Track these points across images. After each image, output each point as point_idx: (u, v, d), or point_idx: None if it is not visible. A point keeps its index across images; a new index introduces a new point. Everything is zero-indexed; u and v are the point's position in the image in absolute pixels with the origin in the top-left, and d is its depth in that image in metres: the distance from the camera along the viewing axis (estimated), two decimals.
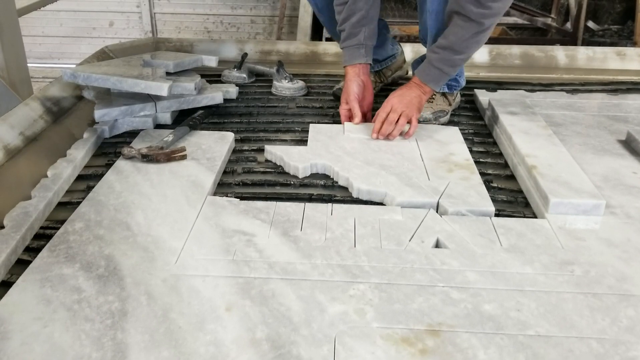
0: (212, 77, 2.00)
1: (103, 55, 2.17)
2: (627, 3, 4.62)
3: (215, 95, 1.71)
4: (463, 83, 1.74)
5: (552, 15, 4.60)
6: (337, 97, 1.80)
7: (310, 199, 1.27)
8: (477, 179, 1.30)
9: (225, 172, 1.39)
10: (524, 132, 1.49)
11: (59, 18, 4.68)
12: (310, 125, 1.59)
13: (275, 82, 1.95)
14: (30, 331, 0.84)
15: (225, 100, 1.76)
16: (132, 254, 1.02)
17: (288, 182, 1.34)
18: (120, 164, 1.35)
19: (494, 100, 1.71)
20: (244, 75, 2.03)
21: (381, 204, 1.25)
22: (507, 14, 4.02)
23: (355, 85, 1.57)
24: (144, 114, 1.60)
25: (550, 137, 1.47)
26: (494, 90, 1.86)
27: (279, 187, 1.34)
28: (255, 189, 1.32)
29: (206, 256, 1.02)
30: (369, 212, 1.17)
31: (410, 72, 1.89)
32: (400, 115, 1.47)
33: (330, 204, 1.19)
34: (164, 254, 1.02)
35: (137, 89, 1.57)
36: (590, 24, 4.61)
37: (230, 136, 1.51)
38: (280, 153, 1.42)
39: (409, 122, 1.49)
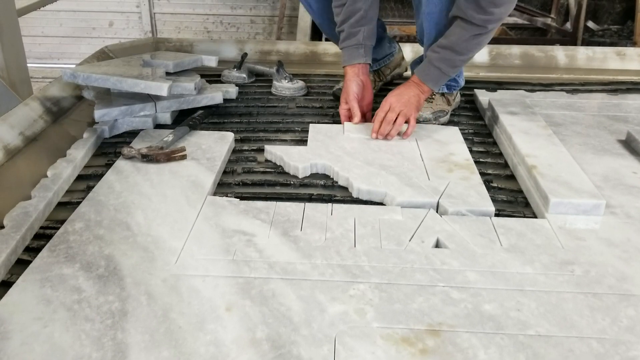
0: (212, 77, 2.00)
1: (103, 55, 2.17)
2: (627, 3, 4.62)
3: (215, 95, 1.71)
4: (462, 83, 1.74)
5: (552, 15, 4.60)
6: (337, 97, 1.80)
7: (310, 199, 1.27)
8: (477, 179, 1.30)
9: (225, 172, 1.39)
10: (524, 132, 1.49)
11: (58, 18, 4.68)
12: (310, 125, 1.59)
13: (275, 82, 1.95)
14: (30, 331, 0.84)
15: (225, 100, 1.76)
16: (132, 254, 1.02)
17: (288, 182, 1.34)
18: (120, 164, 1.35)
19: (494, 100, 1.71)
20: (244, 75, 2.03)
21: (381, 204, 1.25)
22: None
23: (354, 85, 1.57)
24: (143, 114, 1.60)
25: (550, 137, 1.47)
26: (494, 90, 1.86)
27: (279, 187, 1.34)
28: (255, 189, 1.32)
29: (206, 256, 1.02)
30: (369, 212, 1.17)
31: (409, 72, 1.89)
32: (398, 115, 1.47)
33: (330, 204, 1.19)
34: (164, 254, 1.02)
35: (137, 89, 1.57)
36: (590, 24, 4.61)
37: (230, 136, 1.51)
38: (280, 153, 1.42)
39: (407, 121, 1.49)
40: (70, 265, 0.98)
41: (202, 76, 1.79)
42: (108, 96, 1.65)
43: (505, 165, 1.46)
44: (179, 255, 1.02)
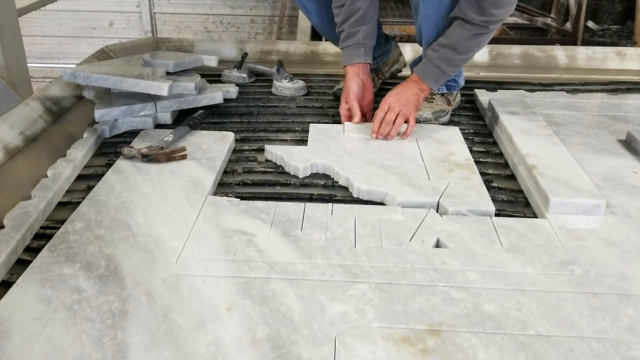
0: (212, 77, 2.00)
1: (103, 55, 2.17)
2: (627, 3, 4.62)
3: (215, 95, 1.71)
4: (462, 83, 1.74)
5: (552, 15, 4.60)
6: (337, 97, 1.80)
7: (310, 198, 1.27)
8: (478, 179, 1.30)
9: (225, 172, 1.39)
10: (524, 131, 1.49)
11: (59, 18, 4.68)
12: (311, 125, 1.59)
13: (275, 82, 1.95)
14: (30, 331, 0.84)
15: (226, 100, 1.76)
16: (132, 254, 1.02)
17: (288, 182, 1.34)
18: (121, 163, 1.35)
19: (494, 100, 1.71)
20: (244, 75, 2.03)
21: (381, 203, 1.25)
22: None
23: (354, 84, 1.57)
24: (144, 114, 1.60)
25: (551, 136, 1.47)
26: (494, 90, 1.86)
27: (279, 187, 1.34)
28: (256, 189, 1.32)
29: (206, 256, 1.02)
30: (369, 211, 1.17)
31: (409, 71, 1.89)
32: (397, 115, 1.47)
33: (330, 204, 1.19)
34: (164, 254, 1.02)
35: (137, 89, 1.57)
36: (590, 24, 4.61)
37: (230, 136, 1.51)
38: (280, 153, 1.42)
39: (407, 121, 1.49)
40: (70, 265, 0.98)
41: (203, 76, 1.79)
42: (108, 96, 1.65)
43: (506, 165, 1.46)
44: (179, 255, 1.02)
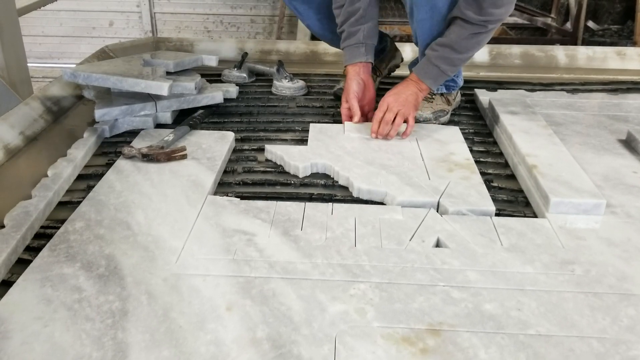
0: (212, 76, 2.00)
1: (103, 54, 2.17)
2: (627, 3, 4.62)
3: (215, 95, 1.71)
4: (461, 83, 1.74)
5: (552, 15, 4.60)
6: (337, 97, 1.80)
7: (310, 198, 1.27)
8: (478, 179, 1.30)
9: (225, 172, 1.39)
10: (524, 131, 1.49)
11: (59, 18, 4.68)
12: (311, 124, 1.59)
13: (275, 82, 1.95)
14: (30, 330, 0.84)
15: (226, 99, 1.76)
16: (132, 254, 1.02)
17: (288, 182, 1.34)
18: (121, 163, 1.35)
19: (494, 99, 1.71)
20: (244, 75, 2.03)
21: (382, 203, 1.25)
22: None
23: (355, 84, 1.57)
24: (144, 114, 1.60)
25: (551, 136, 1.47)
26: (494, 89, 1.86)
27: (279, 186, 1.34)
28: (256, 189, 1.32)
29: (207, 256, 1.02)
30: (369, 211, 1.17)
31: (407, 70, 1.88)
32: (396, 115, 1.46)
33: (330, 204, 1.19)
34: (164, 254, 1.02)
35: (137, 89, 1.57)
36: (590, 23, 4.61)
37: (230, 136, 1.51)
38: (280, 152, 1.42)
39: (406, 121, 1.49)
40: (70, 264, 0.98)
41: (203, 76, 1.79)
42: (108, 96, 1.65)
43: (506, 165, 1.46)
44: (180, 255, 1.02)
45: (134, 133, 1.55)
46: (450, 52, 1.47)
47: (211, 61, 1.82)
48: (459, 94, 1.79)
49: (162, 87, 1.55)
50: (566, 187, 1.21)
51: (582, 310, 0.90)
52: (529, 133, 1.48)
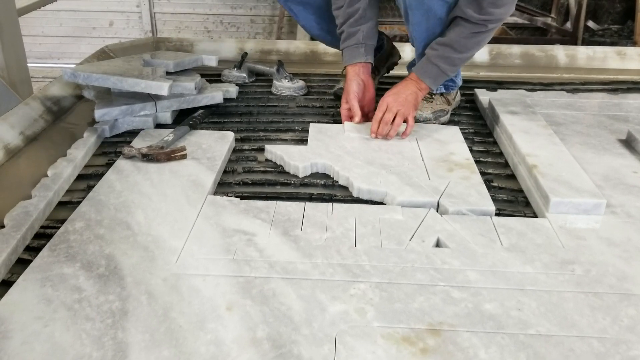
0: (212, 76, 2.00)
1: (103, 54, 2.17)
2: (627, 3, 4.62)
3: (215, 95, 1.71)
4: (460, 82, 1.74)
5: (552, 15, 4.60)
6: (337, 97, 1.80)
7: (310, 198, 1.27)
8: (478, 179, 1.30)
9: (225, 172, 1.39)
10: (525, 131, 1.49)
11: (59, 18, 4.68)
12: (311, 124, 1.59)
13: (275, 82, 1.95)
14: (30, 330, 0.84)
15: (226, 99, 1.76)
16: (132, 254, 1.02)
17: (288, 182, 1.34)
18: (121, 163, 1.35)
19: (494, 99, 1.71)
20: (244, 75, 2.03)
21: (381, 203, 1.25)
22: None
23: (355, 84, 1.57)
24: (144, 114, 1.60)
25: (551, 136, 1.47)
26: (494, 89, 1.86)
27: (279, 186, 1.34)
28: (256, 189, 1.32)
29: (207, 255, 1.02)
30: (369, 211, 1.17)
31: (406, 67, 1.88)
32: (396, 115, 1.46)
33: (330, 204, 1.19)
34: (164, 254, 1.02)
35: (137, 89, 1.57)
36: (590, 23, 4.60)
37: (230, 135, 1.51)
38: (280, 152, 1.42)
39: (406, 121, 1.48)
40: (70, 264, 0.98)
41: (202, 76, 1.79)
42: (108, 96, 1.65)
43: (506, 165, 1.46)
44: (180, 255, 1.02)
45: (134, 133, 1.55)
46: (450, 51, 1.47)
47: (211, 61, 1.82)
48: (458, 94, 1.79)
49: (162, 87, 1.55)
50: (566, 187, 1.21)
51: (583, 310, 0.90)
52: (529, 133, 1.48)
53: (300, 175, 1.37)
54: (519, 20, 4.43)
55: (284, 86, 1.92)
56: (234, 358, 0.80)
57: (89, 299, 0.90)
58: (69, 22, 4.70)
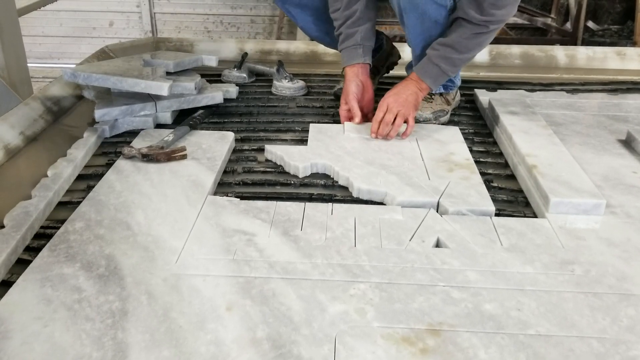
0: (212, 76, 2.00)
1: (103, 55, 2.17)
2: (627, 3, 4.62)
3: (215, 95, 1.71)
4: (458, 82, 1.74)
5: (552, 15, 4.60)
6: (337, 97, 1.80)
7: (310, 198, 1.27)
8: (478, 179, 1.30)
9: (225, 172, 1.39)
10: (524, 131, 1.49)
11: (59, 18, 4.68)
12: (311, 124, 1.59)
13: (275, 82, 1.95)
14: (30, 331, 0.84)
15: (226, 99, 1.76)
16: (132, 254, 1.02)
17: (288, 182, 1.34)
18: (121, 163, 1.35)
19: (494, 100, 1.71)
20: (244, 75, 2.03)
21: (381, 203, 1.25)
22: None
23: (354, 85, 1.57)
24: (144, 114, 1.60)
25: (551, 136, 1.47)
26: (494, 90, 1.86)
27: (279, 186, 1.34)
28: (256, 189, 1.32)
29: (207, 256, 1.02)
30: (369, 211, 1.17)
31: (405, 66, 1.87)
32: (396, 115, 1.46)
33: (330, 204, 1.19)
34: (164, 254, 1.02)
35: (137, 89, 1.57)
36: (590, 24, 4.60)
37: (230, 136, 1.51)
38: (280, 153, 1.42)
39: (406, 121, 1.48)
40: (70, 264, 0.98)
41: (202, 76, 1.79)
42: (108, 96, 1.65)
43: (506, 165, 1.46)
44: (180, 255, 1.02)
45: (134, 133, 1.55)
46: (451, 51, 1.47)
47: (211, 61, 1.82)
48: (458, 94, 1.79)
49: (162, 87, 1.55)
50: (566, 187, 1.21)
51: (582, 310, 0.90)
52: (528, 133, 1.48)
53: (300, 176, 1.37)
54: (519, 21, 4.43)
55: (284, 86, 1.93)
56: (233, 358, 0.80)
57: (88, 299, 0.90)
58: (69, 22, 4.70)
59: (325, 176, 1.37)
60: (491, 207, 1.19)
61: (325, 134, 1.52)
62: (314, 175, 1.38)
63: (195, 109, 1.68)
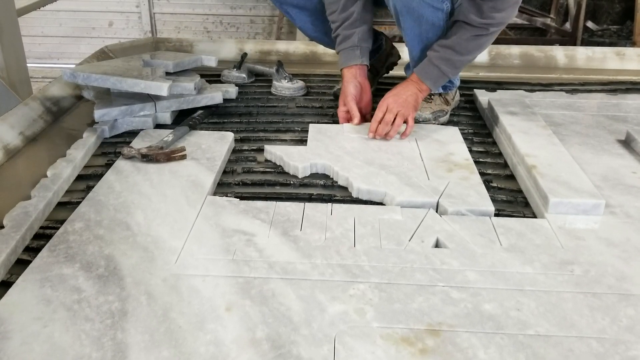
0: (212, 77, 2.00)
1: (103, 55, 2.17)
2: (626, 3, 4.62)
3: (214, 95, 1.71)
4: (457, 83, 1.74)
5: (552, 16, 4.60)
6: (337, 97, 1.80)
7: (310, 198, 1.27)
8: (477, 179, 1.30)
9: (225, 172, 1.39)
10: (524, 131, 1.49)
11: (58, 18, 4.68)
12: (310, 125, 1.60)
13: (274, 82, 1.95)
14: (30, 331, 0.84)
15: (225, 100, 1.76)
16: (132, 254, 1.02)
17: (288, 182, 1.34)
18: (120, 163, 1.35)
19: (493, 100, 1.71)
20: (244, 75, 2.03)
21: (381, 203, 1.25)
22: None
23: (352, 86, 1.57)
24: (143, 114, 1.60)
25: (550, 136, 1.47)
26: (494, 90, 1.86)
27: (278, 186, 1.34)
28: (255, 189, 1.32)
29: (206, 256, 1.02)
30: (368, 211, 1.17)
31: (404, 65, 1.87)
32: (396, 116, 1.47)
33: (330, 204, 1.19)
34: (164, 254, 1.02)
35: (136, 89, 1.57)
36: (590, 24, 4.61)
37: (230, 136, 1.51)
38: (280, 153, 1.42)
39: (406, 121, 1.49)
40: (70, 265, 0.98)
41: (202, 76, 1.79)
42: (108, 96, 1.65)
43: (505, 165, 1.46)
44: (179, 255, 1.02)
45: (133, 133, 1.55)
46: (451, 53, 1.47)
47: (211, 61, 1.82)
48: (457, 94, 1.79)
49: (161, 88, 1.55)
50: (565, 188, 1.22)
51: (582, 310, 0.90)
52: (528, 133, 1.48)
53: (300, 176, 1.37)
54: (518, 21, 4.43)
55: (284, 86, 1.93)
56: (233, 358, 0.80)
57: (88, 300, 0.90)
58: (69, 23, 4.70)
59: (325, 176, 1.37)
60: (490, 207, 1.19)
61: (325, 134, 1.52)
62: (313, 175, 1.38)
63: (195, 109, 1.68)
